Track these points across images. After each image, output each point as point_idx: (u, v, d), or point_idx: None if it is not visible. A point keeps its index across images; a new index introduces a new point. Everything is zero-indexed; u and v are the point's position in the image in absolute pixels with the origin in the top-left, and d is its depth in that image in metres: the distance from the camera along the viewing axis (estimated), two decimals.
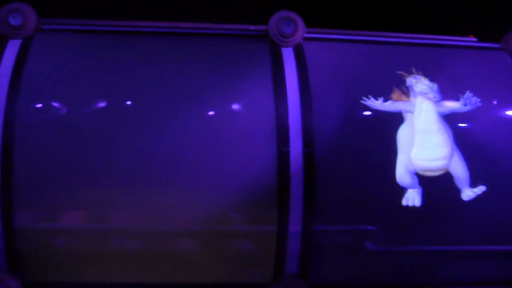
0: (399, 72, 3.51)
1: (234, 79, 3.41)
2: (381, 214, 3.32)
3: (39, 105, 3.32)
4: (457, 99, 3.55)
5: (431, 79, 3.57)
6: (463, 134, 3.50)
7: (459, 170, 3.41)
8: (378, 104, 3.38)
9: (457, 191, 3.42)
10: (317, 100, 3.37)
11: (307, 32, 3.58)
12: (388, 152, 3.34)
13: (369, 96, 3.39)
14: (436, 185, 3.40)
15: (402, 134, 3.39)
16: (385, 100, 3.41)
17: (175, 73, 3.43)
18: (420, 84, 3.48)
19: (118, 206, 3.28)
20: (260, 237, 3.32)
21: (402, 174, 3.34)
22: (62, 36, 3.58)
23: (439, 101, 3.48)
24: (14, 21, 3.45)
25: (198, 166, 3.27)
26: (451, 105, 3.48)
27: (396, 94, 3.43)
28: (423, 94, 3.46)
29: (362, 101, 3.38)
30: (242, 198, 3.27)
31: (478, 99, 3.51)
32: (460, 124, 3.51)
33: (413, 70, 3.53)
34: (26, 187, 3.23)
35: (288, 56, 3.48)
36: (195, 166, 3.27)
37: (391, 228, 3.35)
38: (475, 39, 4.03)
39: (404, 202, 3.34)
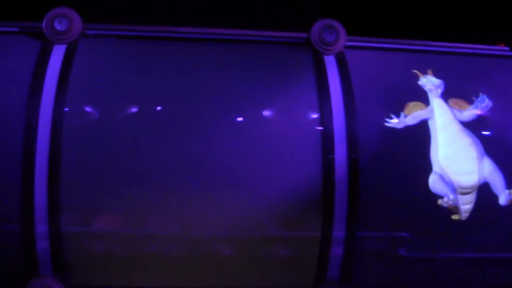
0: (413, 71, 3.56)
1: (278, 86, 3.44)
2: (425, 222, 3.36)
3: (86, 110, 3.34)
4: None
5: (464, 88, 3.62)
6: (492, 143, 3.54)
7: (494, 176, 3.44)
8: (401, 121, 3.42)
9: (494, 197, 3.46)
10: (361, 108, 3.41)
11: (348, 40, 3.61)
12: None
13: (391, 116, 3.42)
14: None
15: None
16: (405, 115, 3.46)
17: (219, 79, 3.46)
18: (428, 82, 3.52)
19: (162, 211, 3.30)
20: (304, 242, 3.36)
21: (434, 180, 3.38)
22: (105, 41, 3.60)
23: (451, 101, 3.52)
24: (59, 26, 3.47)
25: (243, 172, 3.31)
26: (464, 105, 3.52)
27: (411, 106, 3.46)
28: (431, 91, 3.49)
29: (386, 124, 3.41)
30: (287, 204, 3.30)
31: (490, 102, 3.54)
32: (488, 132, 3.56)
33: (429, 71, 3.57)
34: (72, 191, 3.25)
35: (331, 64, 3.52)
36: (240, 172, 3.31)
37: (435, 236, 3.38)
38: (507, 48, 4.07)
39: (440, 202, 3.37)
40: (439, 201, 3.37)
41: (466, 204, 3.38)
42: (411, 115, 3.42)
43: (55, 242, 3.25)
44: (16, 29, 3.54)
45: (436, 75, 3.60)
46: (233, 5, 4.01)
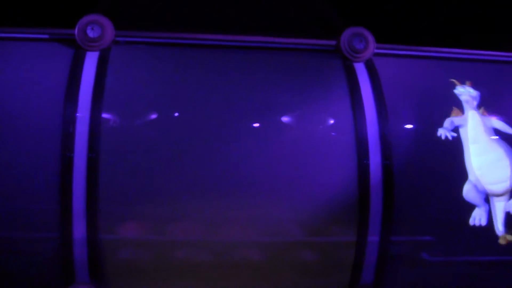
0: (451, 80, 3.63)
1: (311, 94, 3.48)
2: (459, 227, 3.42)
3: (122, 117, 3.35)
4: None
5: (487, 94, 3.70)
6: None
7: None
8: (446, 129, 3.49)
9: None
10: (392, 114, 3.46)
11: (377, 48, 3.67)
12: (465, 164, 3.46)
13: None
14: None
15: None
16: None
17: (254, 86, 3.49)
18: (465, 92, 3.59)
19: (202, 219, 3.31)
20: (339, 247, 3.40)
21: (468, 188, 3.45)
22: (136, 48, 3.61)
23: (489, 116, 3.60)
24: (92, 33, 3.46)
25: (280, 179, 3.34)
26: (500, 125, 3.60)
27: (454, 112, 3.54)
28: (467, 101, 3.57)
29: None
30: (323, 209, 3.34)
31: None
32: None
33: (467, 82, 3.65)
34: (110, 198, 3.25)
35: (361, 71, 3.57)
36: (277, 179, 3.34)
37: (468, 241, 3.44)
38: None
39: (471, 221, 3.44)
40: (470, 221, 3.43)
41: (499, 202, 3.45)
42: (452, 120, 3.48)
43: (92, 249, 3.24)
44: (47, 36, 3.53)
45: (462, 81, 3.67)
46: (263, 12, 4.04)
